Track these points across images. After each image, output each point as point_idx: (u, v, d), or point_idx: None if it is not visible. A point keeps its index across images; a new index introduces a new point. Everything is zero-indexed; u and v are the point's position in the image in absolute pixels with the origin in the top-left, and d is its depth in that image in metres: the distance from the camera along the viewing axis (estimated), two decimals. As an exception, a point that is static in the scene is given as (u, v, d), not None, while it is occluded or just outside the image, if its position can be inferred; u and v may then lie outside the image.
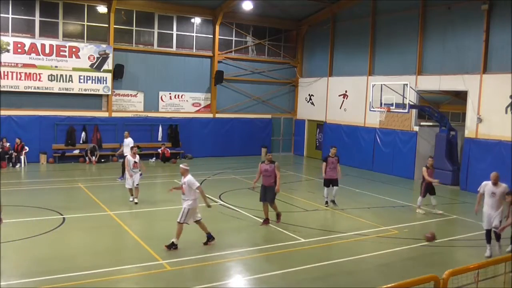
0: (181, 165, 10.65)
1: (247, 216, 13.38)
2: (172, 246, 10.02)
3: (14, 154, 20.43)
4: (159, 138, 24.34)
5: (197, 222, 10.41)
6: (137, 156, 14.72)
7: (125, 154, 16.91)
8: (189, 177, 10.29)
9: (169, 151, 23.81)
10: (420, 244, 11.30)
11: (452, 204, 16.57)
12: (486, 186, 10.65)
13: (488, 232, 10.53)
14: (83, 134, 22.58)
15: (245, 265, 9.57)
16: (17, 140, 20.49)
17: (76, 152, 22.41)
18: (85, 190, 15.79)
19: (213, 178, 19.53)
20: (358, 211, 14.37)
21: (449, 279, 5.30)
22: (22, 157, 20.60)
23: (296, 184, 19.24)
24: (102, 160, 22.62)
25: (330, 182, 14.74)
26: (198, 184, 10.27)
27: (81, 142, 22.53)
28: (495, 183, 10.55)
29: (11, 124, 20.87)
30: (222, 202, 14.94)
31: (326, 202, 14.88)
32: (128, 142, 17.55)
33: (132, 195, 14.51)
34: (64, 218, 12.36)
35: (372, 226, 12.72)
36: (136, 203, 14.25)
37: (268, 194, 12.30)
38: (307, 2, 24.99)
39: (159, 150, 23.77)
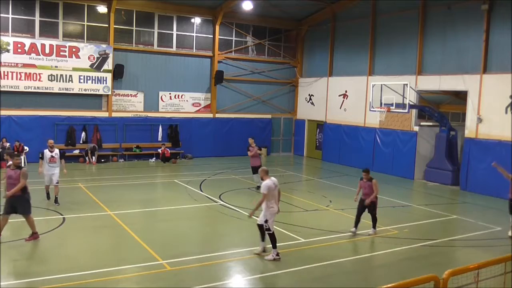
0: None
1: (247, 216, 13.35)
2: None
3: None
4: (159, 138, 24.34)
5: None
6: (56, 150, 14.33)
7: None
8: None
9: (169, 151, 23.80)
10: (420, 244, 11.30)
11: (452, 204, 16.57)
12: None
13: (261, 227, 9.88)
14: (83, 134, 22.57)
15: (245, 265, 9.56)
16: (16, 143, 20.23)
17: (76, 152, 22.41)
18: (85, 190, 15.78)
19: (213, 178, 19.54)
20: (358, 211, 14.33)
21: (449, 279, 5.29)
22: (22, 157, 20.51)
23: (296, 184, 19.24)
24: (102, 160, 22.61)
25: (255, 169, 15.93)
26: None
27: (81, 142, 22.52)
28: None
29: (11, 124, 20.87)
30: (222, 202, 14.94)
31: (258, 187, 15.64)
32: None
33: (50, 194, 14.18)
34: (64, 218, 12.37)
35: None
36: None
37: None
38: (307, 2, 24.98)
39: (159, 150, 23.77)
